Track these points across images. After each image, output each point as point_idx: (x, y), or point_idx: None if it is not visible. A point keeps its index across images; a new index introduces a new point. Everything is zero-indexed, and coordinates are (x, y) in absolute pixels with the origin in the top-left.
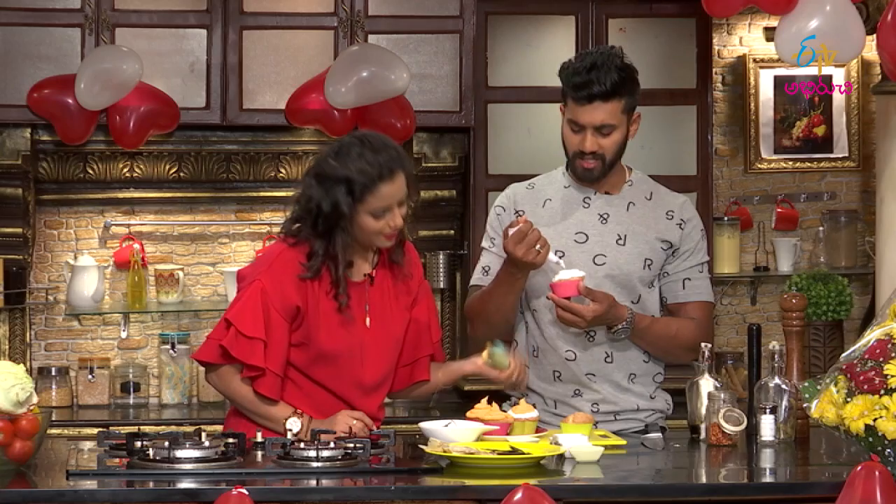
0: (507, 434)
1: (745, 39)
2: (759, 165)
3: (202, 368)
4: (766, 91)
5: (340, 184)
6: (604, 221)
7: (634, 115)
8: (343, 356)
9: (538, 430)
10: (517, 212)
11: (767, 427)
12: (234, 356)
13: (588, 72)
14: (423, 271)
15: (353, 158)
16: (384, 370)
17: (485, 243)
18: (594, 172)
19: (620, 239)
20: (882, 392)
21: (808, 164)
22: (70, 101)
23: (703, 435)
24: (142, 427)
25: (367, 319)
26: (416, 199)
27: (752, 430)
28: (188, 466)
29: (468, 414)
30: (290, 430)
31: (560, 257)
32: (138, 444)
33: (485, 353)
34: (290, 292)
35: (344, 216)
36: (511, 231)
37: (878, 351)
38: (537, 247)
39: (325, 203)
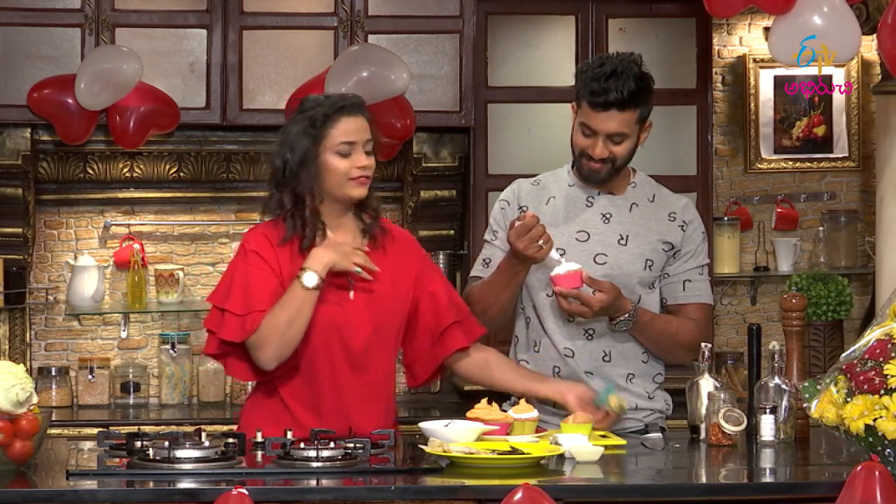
0: (507, 434)
1: (745, 39)
2: (759, 165)
3: (202, 368)
4: (766, 91)
5: (302, 126)
6: (606, 221)
7: (646, 123)
8: (326, 326)
9: (538, 430)
10: (521, 207)
11: (767, 427)
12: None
13: (607, 79)
14: (423, 253)
15: (312, 103)
16: (370, 339)
17: (487, 236)
18: (601, 174)
19: (622, 239)
20: (882, 392)
21: (808, 164)
22: (70, 101)
23: (703, 435)
24: (142, 427)
25: (351, 293)
26: (378, 150)
27: (752, 430)
28: (188, 466)
29: (468, 414)
30: (308, 284)
31: (561, 255)
32: (138, 444)
33: (613, 402)
34: (266, 257)
35: (308, 157)
36: (517, 223)
37: (878, 351)
38: (540, 242)
39: (291, 152)
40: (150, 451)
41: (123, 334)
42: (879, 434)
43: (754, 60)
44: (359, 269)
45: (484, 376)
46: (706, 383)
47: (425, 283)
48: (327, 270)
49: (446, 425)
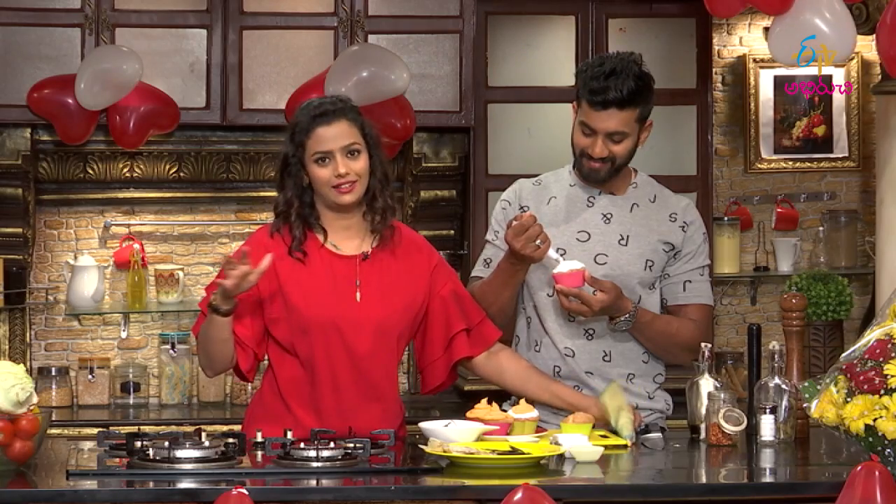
0: (507, 434)
1: (745, 39)
2: (759, 165)
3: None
4: (766, 91)
5: (289, 134)
6: (607, 221)
7: (647, 122)
8: (327, 327)
9: (538, 430)
10: (522, 207)
11: (767, 427)
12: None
13: (606, 78)
14: (438, 257)
15: (300, 110)
16: (372, 340)
17: (488, 236)
18: (601, 173)
19: (622, 239)
20: (882, 392)
21: (808, 164)
22: (70, 101)
23: (703, 435)
24: (142, 427)
25: (358, 294)
26: (382, 161)
27: (752, 430)
28: (188, 466)
29: (468, 414)
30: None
31: (561, 254)
32: (138, 444)
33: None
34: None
35: (289, 164)
36: (514, 223)
37: (878, 351)
38: (537, 242)
39: (282, 157)
40: (150, 451)
41: (123, 334)
42: (879, 434)
43: (754, 60)
44: (232, 285)
45: (499, 382)
46: (706, 383)
47: (437, 287)
48: (224, 297)
49: (446, 425)
